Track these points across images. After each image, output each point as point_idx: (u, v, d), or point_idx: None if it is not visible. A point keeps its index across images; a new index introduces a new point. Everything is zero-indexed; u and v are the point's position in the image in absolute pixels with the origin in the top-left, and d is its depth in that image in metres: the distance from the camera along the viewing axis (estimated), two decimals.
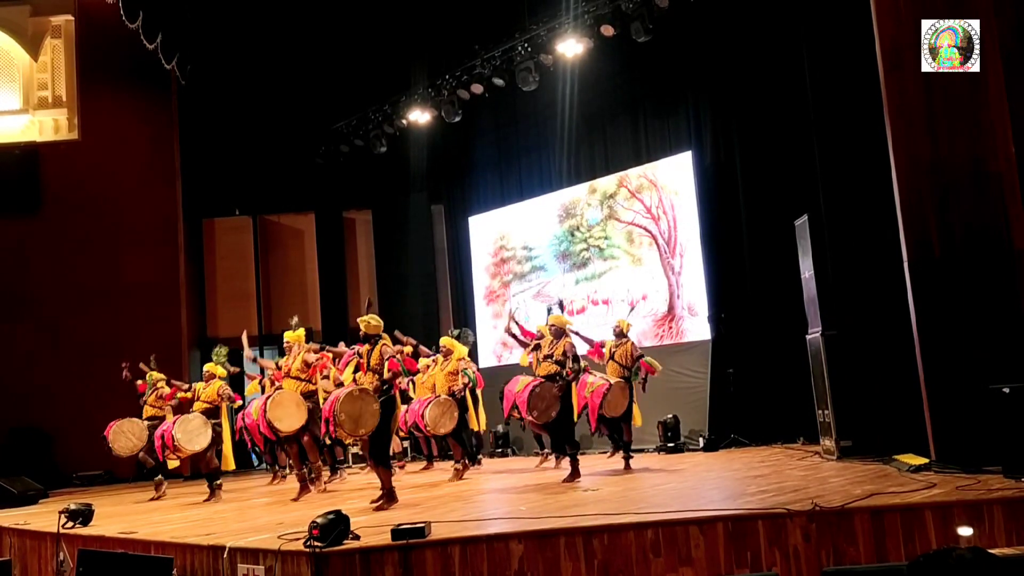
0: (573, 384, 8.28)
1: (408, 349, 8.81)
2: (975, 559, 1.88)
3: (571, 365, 8.09)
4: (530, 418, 7.98)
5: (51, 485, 11.54)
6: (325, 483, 9.24)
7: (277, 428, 8.33)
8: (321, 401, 8.31)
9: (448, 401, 9.33)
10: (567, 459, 8.24)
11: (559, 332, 8.27)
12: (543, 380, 8.07)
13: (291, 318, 9.18)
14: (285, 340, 8.88)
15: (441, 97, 12.64)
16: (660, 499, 6.24)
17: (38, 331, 13.54)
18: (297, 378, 8.62)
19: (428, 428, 9.23)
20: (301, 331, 8.81)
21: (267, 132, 14.16)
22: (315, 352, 8.75)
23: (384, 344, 7.32)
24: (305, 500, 8.19)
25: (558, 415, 7.98)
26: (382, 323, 7.49)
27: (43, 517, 8.10)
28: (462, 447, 9.46)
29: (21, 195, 13.91)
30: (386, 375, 7.11)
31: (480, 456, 10.85)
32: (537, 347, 8.48)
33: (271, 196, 14.88)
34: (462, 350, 10.20)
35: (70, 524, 7.04)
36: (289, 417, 8.36)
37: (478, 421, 10.17)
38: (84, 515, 7.20)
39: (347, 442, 8.39)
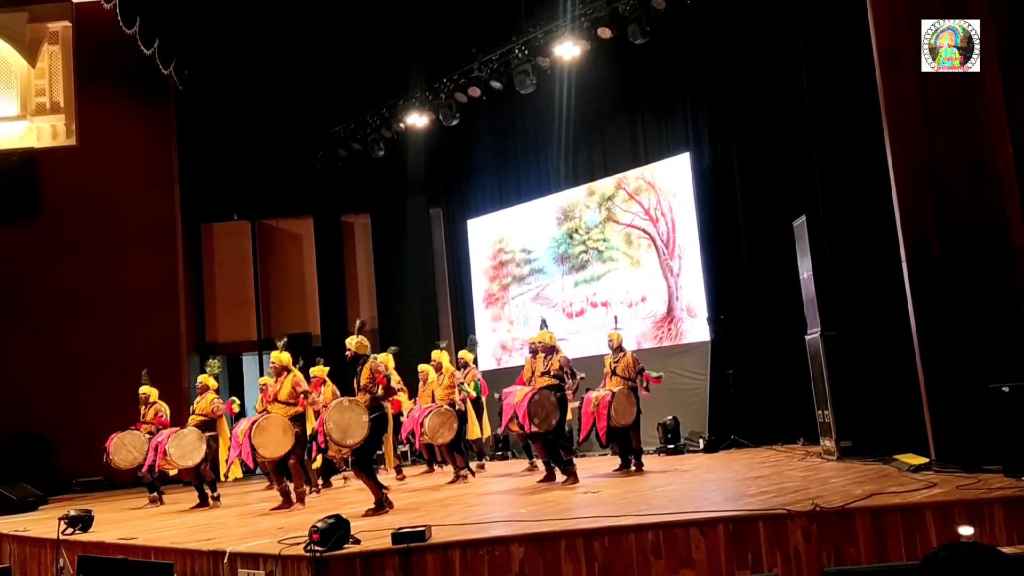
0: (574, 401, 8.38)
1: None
2: (988, 557, 1.88)
3: (570, 381, 8.12)
4: (532, 427, 7.99)
5: (51, 491, 11.53)
6: (313, 490, 9.12)
7: (260, 454, 8.13)
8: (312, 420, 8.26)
9: (448, 411, 9.29)
10: (559, 467, 8.23)
11: (549, 349, 8.27)
12: (541, 388, 8.08)
13: (278, 339, 8.90)
14: (271, 361, 8.52)
15: (439, 100, 12.65)
16: (660, 501, 6.24)
17: (37, 337, 13.52)
18: (285, 403, 8.31)
19: (426, 437, 9.19)
20: (287, 355, 8.50)
21: (265, 136, 14.17)
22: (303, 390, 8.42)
23: (373, 361, 7.33)
24: (304, 504, 8.17)
25: (557, 423, 8.03)
26: (369, 344, 7.55)
27: (43, 524, 8.10)
28: (462, 456, 9.41)
29: (19, 201, 13.90)
30: (379, 392, 7.12)
31: (483, 461, 10.80)
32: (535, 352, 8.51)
33: (269, 201, 14.87)
34: (467, 354, 10.20)
35: (70, 530, 7.04)
36: (274, 443, 8.09)
37: (480, 429, 10.16)
38: (84, 521, 7.19)
39: (334, 456, 8.29)
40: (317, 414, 8.29)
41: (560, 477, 8.14)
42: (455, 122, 12.64)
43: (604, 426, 8.56)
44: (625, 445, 8.85)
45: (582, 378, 8.39)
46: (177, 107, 14.37)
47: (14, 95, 14.23)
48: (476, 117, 13.24)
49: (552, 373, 8.15)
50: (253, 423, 8.20)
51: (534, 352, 8.50)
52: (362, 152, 13.89)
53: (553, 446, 8.16)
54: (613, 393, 8.57)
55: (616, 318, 10.14)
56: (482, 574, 4.93)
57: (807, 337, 8.43)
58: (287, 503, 8.14)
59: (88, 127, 14.16)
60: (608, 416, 8.46)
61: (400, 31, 12.87)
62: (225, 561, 5.38)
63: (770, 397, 10.07)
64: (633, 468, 8.69)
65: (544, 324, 8.68)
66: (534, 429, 7.96)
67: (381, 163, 13.98)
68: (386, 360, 7.70)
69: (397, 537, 4.99)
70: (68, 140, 14.18)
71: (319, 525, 5.01)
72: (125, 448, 9.66)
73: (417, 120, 13.06)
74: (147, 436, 9.69)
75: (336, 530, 5.03)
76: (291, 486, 8.25)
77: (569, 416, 8.62)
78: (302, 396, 8.26)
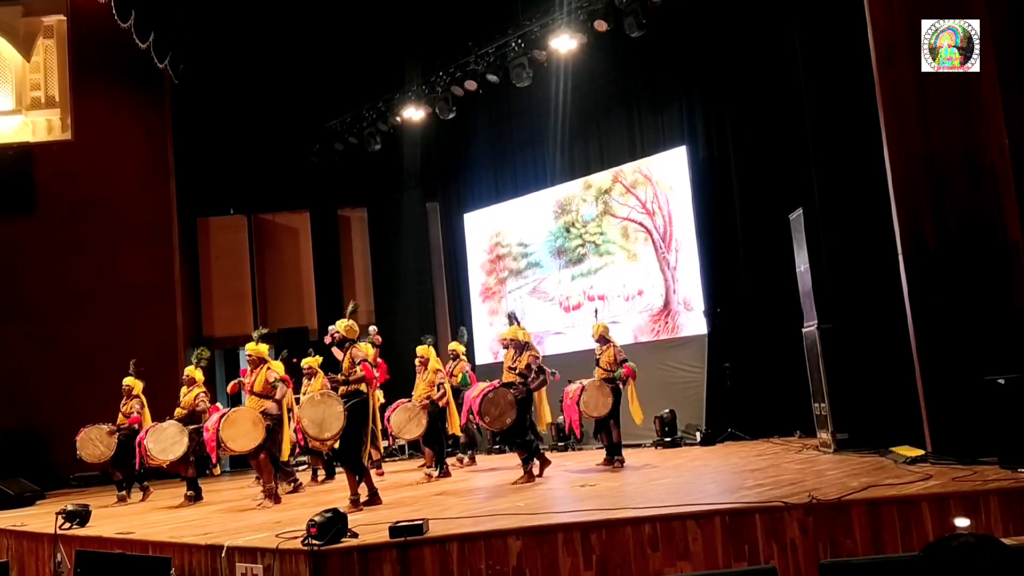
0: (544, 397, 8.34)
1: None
2: (990, 547, 1.89)
3: (533, 378, 7.99)
4: (483, 424, 7.97)
5: (48, 486, 11.54)
6: (289, 490, 8.94)
7: (230, 448, 8.02)
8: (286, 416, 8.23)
9: (415, 407, 9.20)
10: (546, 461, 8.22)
11: (520, 345, 8.18)
12: (499, 386, 8.01)
13: (255, 331, 8.75)
14: (247, 353, 8.38)
15: (435, 94, 12.63)
16: (657, 494, 6.25)
17: (33, 333, 13.50)
18: (261, 395, 8.18)
19: (393, 432, 9.15)
20: (264, 346, 8.37)
21: (261, 130, 14.14)
22: (280, 380, 8.28)
23: (355, 349, 7.26)
24: (301, 500, 8.17)
25: (514, 422, 7.88)
26: (358, 329, 7.51)
27: (40, 518, 8.10)
28: (435, 453, 9.31)
29: (15, 196, 13.88)
30: (352, 377, 7.07)
31: (472, 453, 10.73)
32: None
33: (266, 195, 14.85)
34: (459, 346, 10.17)
35: (67, 525, 7.03)
36: (243, 437, 7.96)
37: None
38: (81, 516, 7.19)
39: (318, 448, 8.23)
40: (291, 408, 8.29)
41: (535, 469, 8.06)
42: (451, 116, 12.61)
43: (576, 418, 8.55)
44: (605, 436, 8.83)
45: (553, 373, 8.32)
46: (173, 101, 14.33)
47: (9, 89, 14.20)
48: (472, 111, 13.23)
49: (518, 370, 8.07)
50: (222, 416, 8.08)
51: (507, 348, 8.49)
52: (358, 146, 13.87)
53: (511, 443, 8.07)
54: (583, 386, 8.55)
55: (596, 311, 10.11)
56: (480, 567, 4.94)
57: (804, 330, 8.44)
58: (275, 499, 7.98)
59: (83, 121, 14.13)
60: (580, 410, 8.45)
61: (396, 24, 12.85)
62: (223, 555, 5.38)
63: (767, 390, 10.09)
64: (615, 463, 8.59)
65: (513, 319, 8.51)
66: (484, 427, 7.93)
67: (377, 157, 13.96)
68: (366, 349, 7.58)
69: (395, 530, 4.99)
70: (63, 135, 14.15)
71: (316, 519, 5.02)
72: (92, 443, 9.59)
73: (413, 114, 13.04)
74: (114, 429, 9.63)
75: (334, 524, 5.03)
76: (276, 484, 8.19)
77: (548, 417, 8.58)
78: (272, 387, 8.07)
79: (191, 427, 8.97)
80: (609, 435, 8.71)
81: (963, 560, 1.87)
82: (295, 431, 8.13)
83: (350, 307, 7.65)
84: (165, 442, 8.85)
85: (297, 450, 9.09)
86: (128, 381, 9.88)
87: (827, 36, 8.52)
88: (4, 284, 13.53)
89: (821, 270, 8.18)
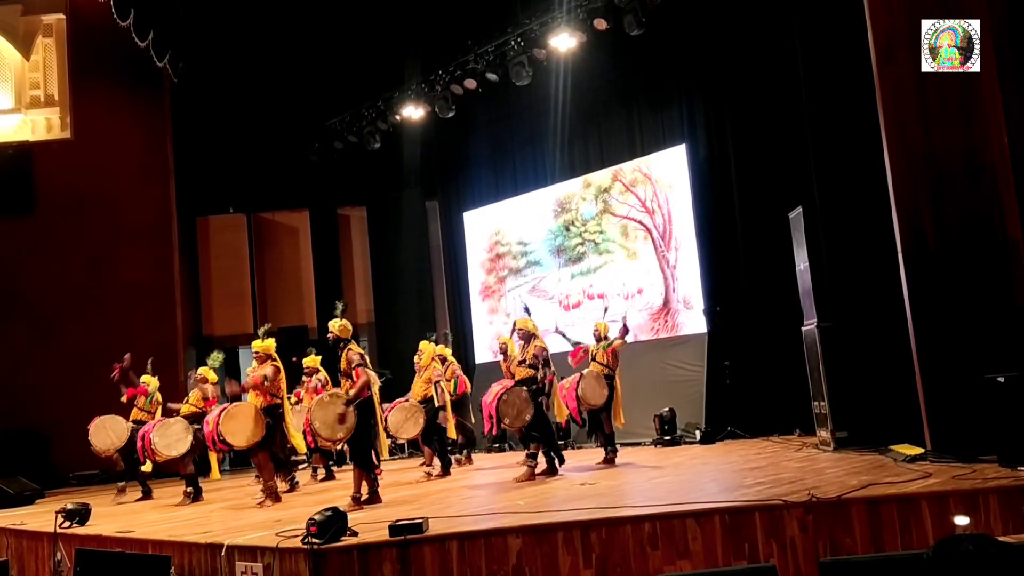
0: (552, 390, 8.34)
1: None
2: (987, 547, 1.89)
3: (543, 371, 8.01)
4: (504, 426, 7.98)
5: (48, 485, 11.54)
6: (286, 488, 8.90)
7: (229, 442, 7.95)
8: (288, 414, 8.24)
9: (413, 407, 9.17)
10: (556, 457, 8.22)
11: (527, 336, 8.20)
12: (512, 385, 8.04)
13: (262, 327, 8.63)
14: (254, 350, 8.30)
15: (434, 93, 12.63)
16: (657, 492, 6.25)
17: (33, 332, 13.50)
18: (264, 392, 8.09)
19: (391, 433, 9.15)
20: (271, 341, 8.31)
21: (261, 129, 14.15)
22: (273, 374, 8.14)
23: (349, 350, 7.25)
24: (300, 498, 8.17)
25: (533, 417, 7.93)
26: (351, 327, 7.53)
27: (40, 517, 8.10)
28: (434, 452, 9.30)
29: (14, 195, 13.86)
30: (353, 388, 7.07)
31: (468, 453, 10.68)
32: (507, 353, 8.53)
33: (265, 194, 14.86)
34: (444, 349, 10.12)
35: (67, 524, 7.04)
36: (242, 431, 7.88)
37: (466, 422, 10.12)
38: (81, 515, 7.20)
39: (329, 448, 8.20)
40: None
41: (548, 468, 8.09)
42: (451, 114, 12.62)
43: (575, 407, 8.56)
44: (598, 429, 8.82)
45: (554, 373, 8.32)
46: (172, 100, 14.33)
47: (8, 88, 14.19)
48: (472, 109, 13.24)
49: (528, 362, 8.08)
50: (223, 411, 8.06)
51: (503, 352, 8.47)
52: (358, 145, 13.87)
53: (534, 440, 8.08)
54: (582, 374, 8.56)
55: (606, 309, 10.10)
56: (480, 566, 4.94)
57: (803, 328, 8.45)
58: (274, 498, 7.94)
59: (83, 120, 14.12)
60: (577, 399, 8.46)
61: (396, 23, 12.85)
62: (223, 554, 5.38)
63: (766, 388, 10.10)
64: (606, 455, 8.60)
65: (527, 311, 8.57)
66: (505, 427, 7.95)
67: (377, 156, 13.97)
68: (358, 350, 7.55)
69: (394, 529, 5.00)
70: (63, 133, 14.15)
71: (316, 517, 5.02)
72: (104, 431, 9.64)
73: (413, 112, 13.05)
74: (131, 424, 9.70)
75: (333, 522, 5.03)
76: (276, 482, 8.19)
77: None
78: (264, 383, 7.98)
79: (196, 427, 9.01)
80: (602, 427, 8.76)
81: (972, 560, 1.87)
82: (304, 432, 8.16)
83: (339, 307, 7.64)
84: (170, 438, 8.92)
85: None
86: (144, 379, 10.03)
87: (827, 35, 8.51)
88: (4, 283, 13.52)
89: (821, 269, 8.18)
